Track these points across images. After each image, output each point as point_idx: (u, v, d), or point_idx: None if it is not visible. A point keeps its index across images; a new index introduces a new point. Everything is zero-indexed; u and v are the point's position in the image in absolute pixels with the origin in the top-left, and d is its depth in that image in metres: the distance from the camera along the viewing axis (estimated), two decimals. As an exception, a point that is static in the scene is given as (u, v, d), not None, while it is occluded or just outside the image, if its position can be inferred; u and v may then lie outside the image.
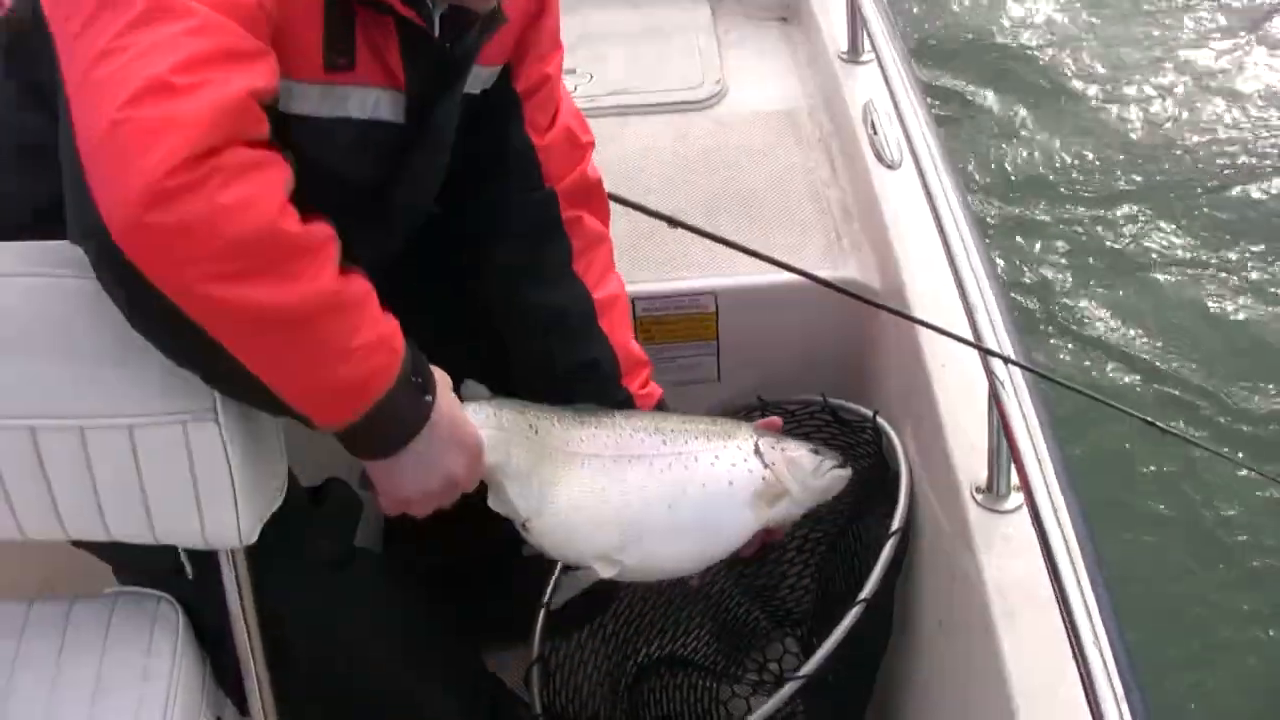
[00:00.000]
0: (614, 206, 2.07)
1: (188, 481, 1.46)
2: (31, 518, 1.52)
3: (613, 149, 2.66)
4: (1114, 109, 4.91)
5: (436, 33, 1.61)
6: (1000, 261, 3.99)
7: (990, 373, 1.78)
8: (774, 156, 2.71)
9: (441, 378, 1.59)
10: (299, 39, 1.45)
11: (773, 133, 2.78)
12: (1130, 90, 5.01)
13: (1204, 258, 4.22)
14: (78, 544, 1.69)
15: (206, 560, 1.61)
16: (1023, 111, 4.87)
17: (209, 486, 1.46)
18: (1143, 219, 4.39)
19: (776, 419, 2.02)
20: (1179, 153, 4.66)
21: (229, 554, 1.59)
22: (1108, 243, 4.30)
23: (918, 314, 2.08)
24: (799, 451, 1.87)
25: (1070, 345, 3.90)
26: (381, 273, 1.48)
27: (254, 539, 1.53)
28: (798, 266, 2.06)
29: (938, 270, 2.08)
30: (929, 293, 2.15)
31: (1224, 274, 4.16)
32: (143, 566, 1.73)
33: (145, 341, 1.33)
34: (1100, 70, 5.12)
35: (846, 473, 1.89)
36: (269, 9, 1.34)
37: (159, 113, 1.19)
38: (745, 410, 2.31)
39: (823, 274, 2.12)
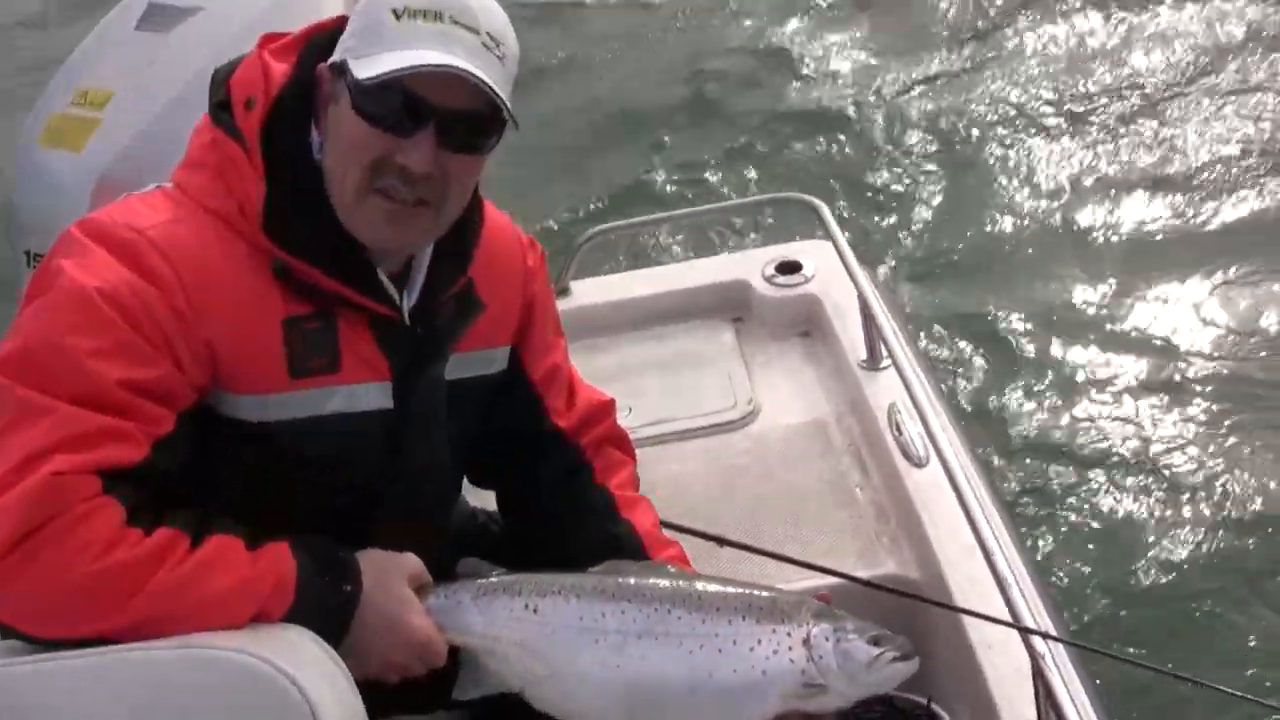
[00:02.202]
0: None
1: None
2: None
3: (656, 474, 2.78)
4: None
5: (407, 320, 1.85)
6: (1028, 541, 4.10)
7: (1031, 648, 1.90)
8: (808, 466, 2.88)
9: (382, 571, 1.77)
10: (254, 360, 1.73)
11: (804, 443, 2.96)
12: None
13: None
14: None
15: None
16: (1036, 395, 5.09)
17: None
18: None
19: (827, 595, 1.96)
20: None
21: None
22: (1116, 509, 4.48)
23: (959, 602, 2.21)
24: (856, 643, 1.79)
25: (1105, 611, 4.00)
26: None
27: None
28: (840, 570, 2.19)
29: (973, 559, 2.23)
30: (967, 580, 2.29)
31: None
32: None
33: (250, 702, 1.51)
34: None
35: (909, 666, 1.80)
36: (152, 374, 1.63)
37: None
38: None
39: (864, 574, 2.26)
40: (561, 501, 2.12)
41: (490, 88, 1.71)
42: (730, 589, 1.85)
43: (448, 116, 1.73)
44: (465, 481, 2.25)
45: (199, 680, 1.53)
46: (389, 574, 1.79)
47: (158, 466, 1.63)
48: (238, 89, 1.81)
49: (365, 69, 1.70)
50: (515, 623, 1.82)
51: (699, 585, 1.86)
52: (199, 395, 1.72)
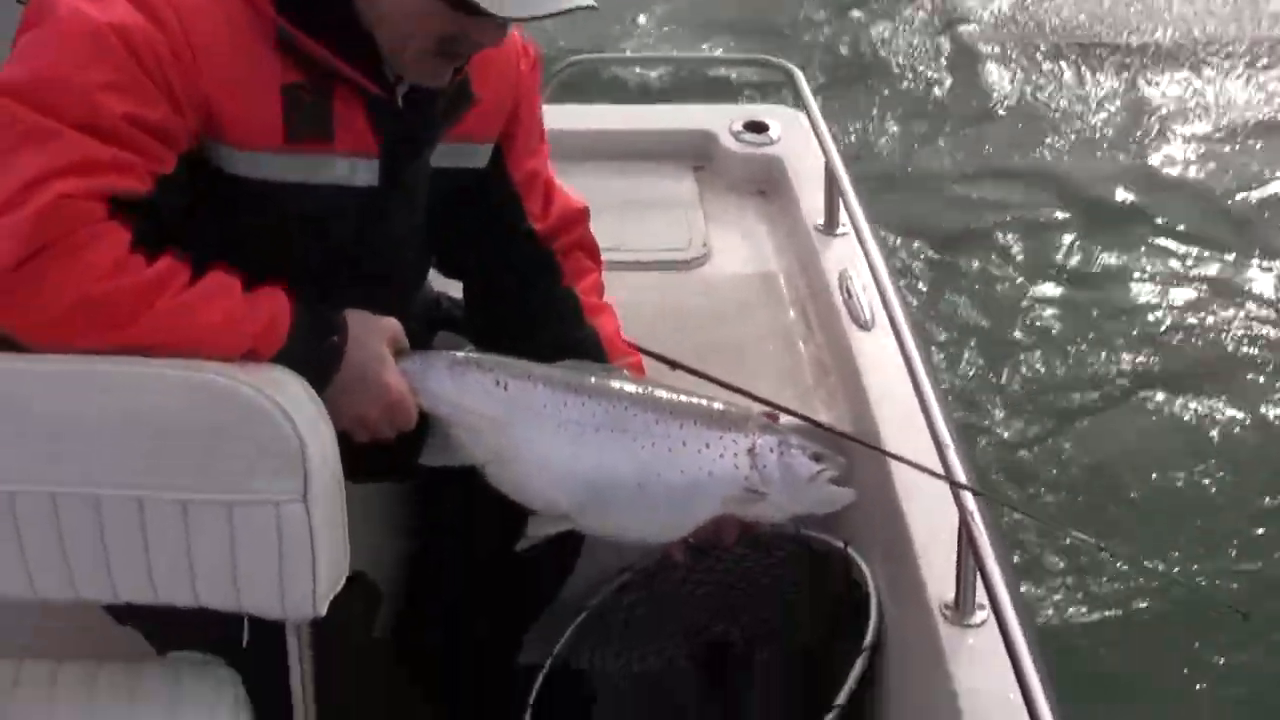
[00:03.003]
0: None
1: (274, 557, 1.65)
2: (126, 581, 1.69)
3: (607, 296, 2.90)
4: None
5: (400, 104, 1.91)
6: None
7: (960, 504, 2.03)
8: (755, 315, 2.97)
9: (364, 329, 1.85)
10: (251, 119, 1.79)
11: (753, 293, 3.05)
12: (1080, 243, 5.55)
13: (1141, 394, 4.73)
14: (115, 613, 1.93)
15: (267, 631, 1.80)
16: (984, 273, 5.36)
17: (293, 562, 1.65)
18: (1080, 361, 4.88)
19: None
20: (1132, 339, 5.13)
21: (295, 626, 1.78)
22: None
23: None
24: (798, 457, 1.91)
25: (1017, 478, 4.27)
26: None
27: (324, 611, 1.72)
28: (785, 406, 2.29)
29: (908, 421, 2.35)
30: (900, 436, 2.40)
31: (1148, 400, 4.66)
32: (200, 635, 1.90)
33: (243, 430, 1.59)
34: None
35: (846, 493, 1.96)
36: (155, 115, 1.67)
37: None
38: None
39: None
40: (529, 298, 2.22)
41: (583, 6, 1.78)
42: (685, 397, 1.97)
43: None
44: (434, 268, 2.32)
45: (195, 400, 1.61)
46: (370, 332, 1.87)
47: (159, 203, 1.68)
48: None
49: None
50: (485, 396, 1.90)
51: (657, 391, 1.97)
52: (196, 142, 1.76)
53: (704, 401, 1.99)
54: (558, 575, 2.45)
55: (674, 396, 1.97)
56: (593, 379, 1.96)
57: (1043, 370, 4.86)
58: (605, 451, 1.89)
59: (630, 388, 1.97)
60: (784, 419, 2.11)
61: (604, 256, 3.08)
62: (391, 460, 2.00)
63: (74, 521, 1.63)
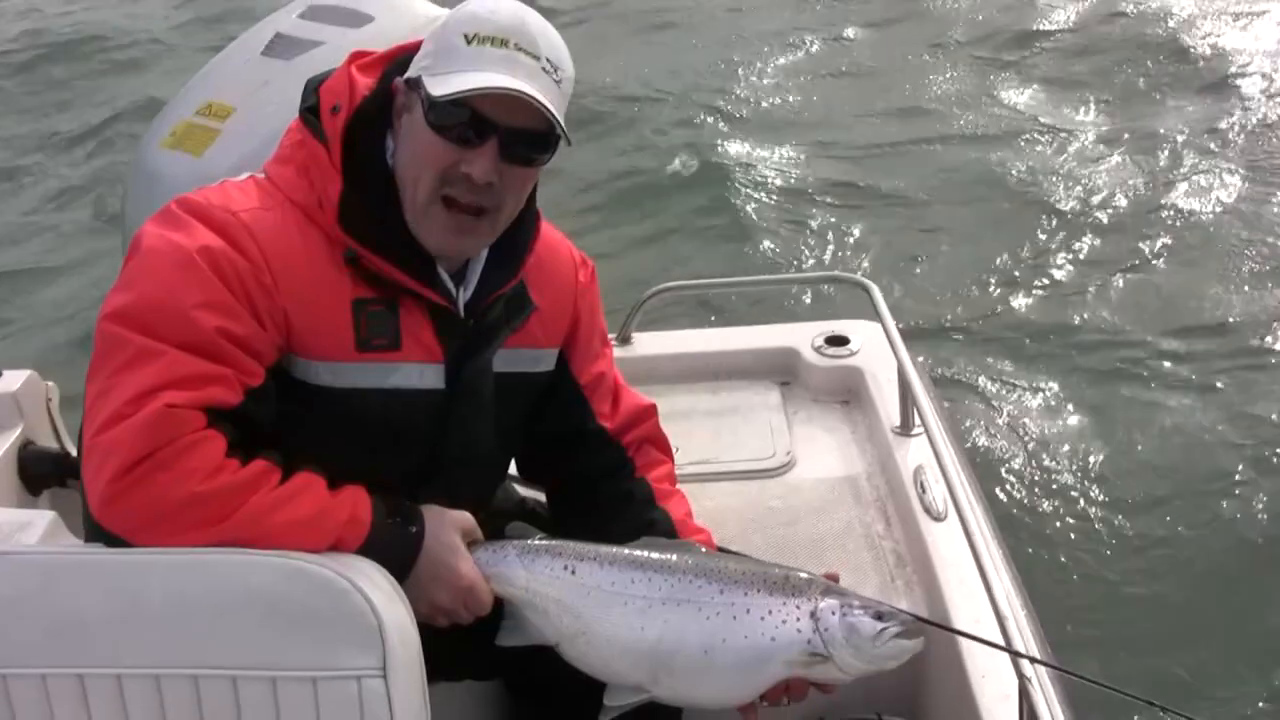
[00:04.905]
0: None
1: (357, 730, 1.79)
2: None
3: (695, 508, 2.96)
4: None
5: (461, 312, 2.11)
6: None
7: (1018, 670, 2.09)
8: (835, 514, 3.07)
9: (438, 521, 2.02)
10: (326, 332, 2.00)
11: (835, 494, 3.16)
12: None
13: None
14: None
15: None
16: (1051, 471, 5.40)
17: (374, 736, 1.79)
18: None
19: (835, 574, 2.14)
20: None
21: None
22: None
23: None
24: (861, 617, 1.96)
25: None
26: None
27: None
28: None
29: (977, 601, 2.43)
30: (970, 618, 2.47)
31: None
32: None
33: (326, 610, 1.75)
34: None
35: (913, 645, 1.98)
36: (243, 329, 1.89)
37: (108, 439, 1.77)
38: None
39: None
40: (605, 492, 2.36)
41: (547, 108, 1.96)
42: (748, 565, 2.07)
43: (509, 132, 1.98)
44: (517, 474, 2.50)
45: (286, 586, 1.77)
46: (444, 524, 2.03)
47: (250, 412, 1.89)
48: (326, 96, 2.08)
49: (439, 87, 1.95)
50: (554, 580, 2.04)
51: (721, 561, 2.07)
52: (278, 354, 1.97)
53: (768, 568, 2.08)
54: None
55: (739, 566, 2.07)
56: (660, 554, 2.08)
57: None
58: (671, 622, 1.99)
59: (694, 560, 2.07)
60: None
61: (694, 469, 3.27)
62: (478, 657, 2.14)
63: (175, 702, 1.78)
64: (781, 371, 3.77)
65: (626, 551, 2.08)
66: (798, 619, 1.98)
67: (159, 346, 1.83)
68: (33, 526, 3.01)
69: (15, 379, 3.52)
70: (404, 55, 2.12)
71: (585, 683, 2.09)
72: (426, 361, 2.10)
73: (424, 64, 2.02)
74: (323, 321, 2.00)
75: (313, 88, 2.13)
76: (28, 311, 7.56)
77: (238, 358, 1.89)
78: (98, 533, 1.84)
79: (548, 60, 2.00)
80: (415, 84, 2.02)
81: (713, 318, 5.55)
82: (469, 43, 1.97)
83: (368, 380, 2.05)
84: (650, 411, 2.50)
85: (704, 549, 2.20)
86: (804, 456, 3.36)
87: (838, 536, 2.99)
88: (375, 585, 1.81)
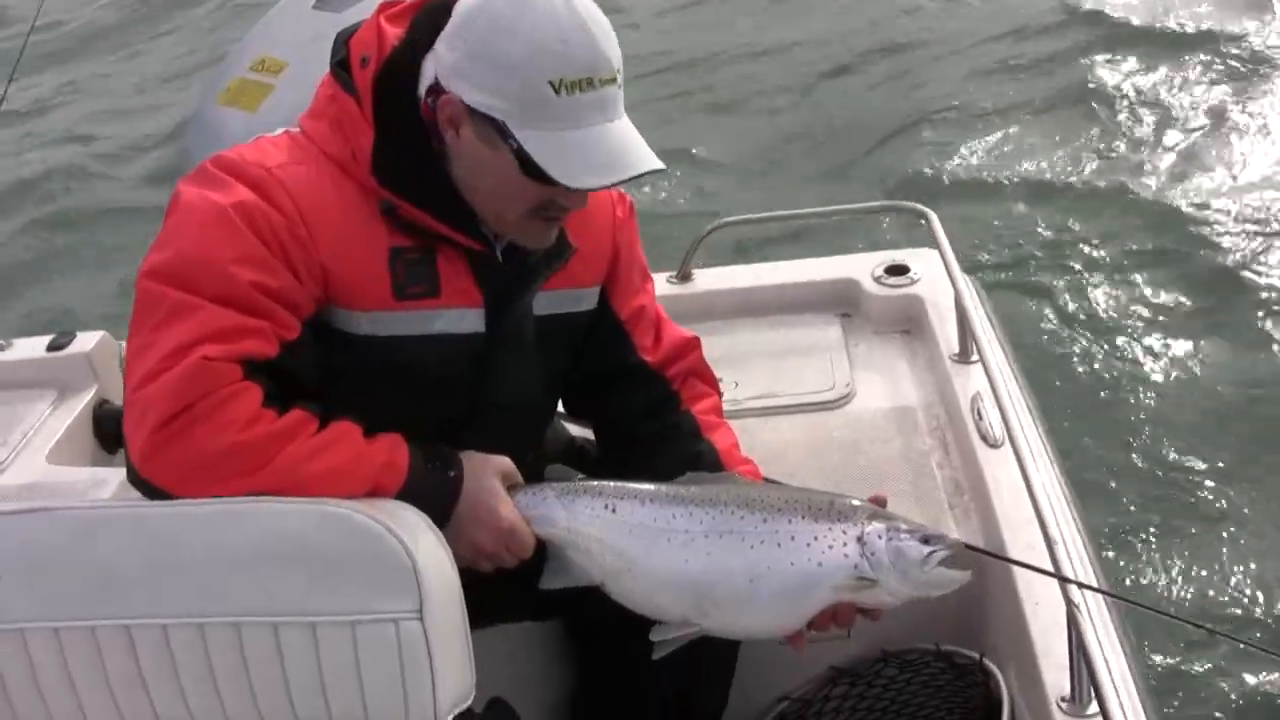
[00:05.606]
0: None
1: (396, 673, 1.80)
2: (269, 702, 1.84)
3: (755, 442, 2.96)
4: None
5: (499, 257, 2.12)
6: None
7: (1067, 597, 2.07)
8: (895, 444, 3.05)
9: (477, 466, 2.03)
10: (363, 282, 2.02)
11: (893, 425, 3.13)
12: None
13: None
14: None
15: None
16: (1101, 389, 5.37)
17: (414, 677, 1.79)
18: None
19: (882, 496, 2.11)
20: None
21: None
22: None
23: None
24: (908, 541, 1.95)
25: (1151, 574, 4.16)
26: None
27: None
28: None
29: (1031, 529, 2.39)
30: (1024, 545, 2.45)
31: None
32: None
33: (363, 554, 1.77)
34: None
35: (961, 575, 1.96)
36: (278, 283, 1.91)
37: (146, 394, 1.81)
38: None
39: None
40: (650, 427, 2.36)
41: (651, 170, 1.96)
42: (792, 493, 2.05)
43: None
44: (565, 412, 2.51)
45: (324, 534, 1.79)
46: (482, 468, 2.05)
47: (287, 365, 1.91)
48: (355, 48, 2.07)
49: (541, 149, 1.91)
50: (595, 519, 2.04)
51: (763, 491, 2.06)
52: (316, 306, 1.99)
53: (812, 494, 2.07)
54: (713, 710, 2.54)
55: (782, 494, 2.06)
56: (698, 489, 2.07)
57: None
58: (715, 554, 1.98)
59: (736, 491, 2.06)
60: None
61: (755, 403, 3.27)
62: (533, 598, 2.16)
63: (220, 648, 1.82)
64: (842, 303, 3.73)
65: (667, 487, 2.08)
66: (844, 544, 1.96)
67: (195, 301, 1.86)
68: (107, 484, 3.10)
69: (89, 340, 3.61)
70: (432, 3, 2.11)
71: (636, 622, 2.09)
72: (466, 306, 2.12)
73: (503, 107, 1.93)
74: (360, 272, 2.02)
75: (342, 41, 2.12)
76: (104, 270, 7.72)
77: (273, 310, 1.92)
78: (142, 486, 1.88)
79: (618, 70, 1.96)
80: (489, 120, 1.95)
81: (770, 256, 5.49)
82: (557, 92, 1.89)
83: (408, 328, 2.07)
84: (694, 344, 2.48)
85: (747, 480, 2.19)
86: (864, 387, 3.34)
87: (897, 466, 2.97)
88: (410, 528, 1.83)
